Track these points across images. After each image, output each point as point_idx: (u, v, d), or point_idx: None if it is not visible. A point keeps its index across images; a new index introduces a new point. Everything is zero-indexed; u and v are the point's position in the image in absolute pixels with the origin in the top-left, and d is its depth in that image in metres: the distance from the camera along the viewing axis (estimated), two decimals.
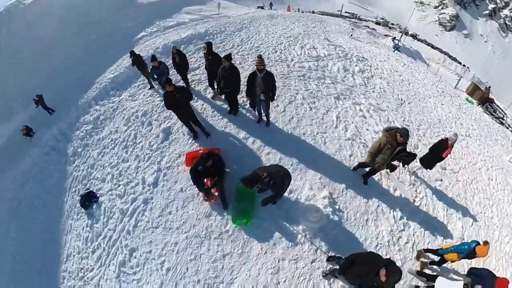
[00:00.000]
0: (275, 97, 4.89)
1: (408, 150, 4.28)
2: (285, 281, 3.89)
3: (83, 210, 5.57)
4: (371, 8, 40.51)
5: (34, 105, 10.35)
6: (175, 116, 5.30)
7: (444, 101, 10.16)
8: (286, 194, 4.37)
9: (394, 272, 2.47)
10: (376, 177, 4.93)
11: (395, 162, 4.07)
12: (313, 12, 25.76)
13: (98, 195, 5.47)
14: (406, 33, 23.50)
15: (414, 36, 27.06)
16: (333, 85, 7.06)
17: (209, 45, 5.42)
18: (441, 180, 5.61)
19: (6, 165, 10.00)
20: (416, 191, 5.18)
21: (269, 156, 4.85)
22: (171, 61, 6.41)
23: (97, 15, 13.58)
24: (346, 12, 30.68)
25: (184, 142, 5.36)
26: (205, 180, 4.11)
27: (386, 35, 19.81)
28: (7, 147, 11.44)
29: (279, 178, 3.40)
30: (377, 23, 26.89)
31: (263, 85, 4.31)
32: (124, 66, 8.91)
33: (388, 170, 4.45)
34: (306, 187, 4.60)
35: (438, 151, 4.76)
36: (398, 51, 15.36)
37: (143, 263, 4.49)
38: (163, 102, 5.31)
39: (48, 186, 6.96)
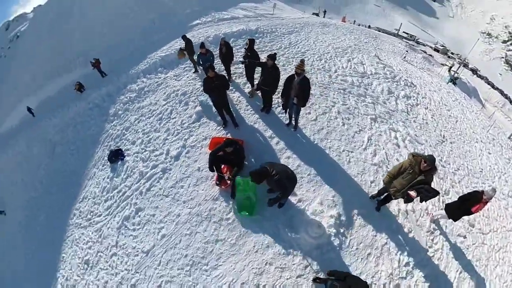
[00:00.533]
0: (307, 104, 4.88)
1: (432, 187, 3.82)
2: (265, 285, 3.84)
3: (108, 163, 6.32)
4: (432, 32, 37.43)
5: (91, 66, 11.59)
6: (211, 102, 5.52)
7: (493, 150, 9.09)
8: (294, 201, 4.36)
9: None
10: (393, 211, 4.59)
11: (412, 193, 3.52)
12: (368, 26, 24.76)
13: (125, 154, 6.14)
14: (465, 66, 21.59)
15: (474, 71, 24.77)
16: (373, 105, 6.77)
17: (251, 41, 5.60)
18: (465, 237, 4.86)
19: (54, 113, 11.45)
20: (432, 240, 4.57)
21: (289, 160, 4.82)
22: (218, 51, 6.66)
23: (164, 2, 14.68)
24: (404, 32, 28.98)
25: (213, 127, 5.61)
26: (222, 166, 4.28)
27: (442, 64, 18.40)
28: (58, 97, 13.03)
29: (285, 178, 3.39)
30: (436, 49, 25.05)
31: (298, 89, 4.36)
32: (175, 48, 9.48)
33: (403, 200, 3.95)
34: (317, 200, 4.48)
35: (469, 203, 4.09)
36: (453, 83, 14.20)
37: (144, 223, 4.91)
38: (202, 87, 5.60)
39: (85, 137, 7.95)
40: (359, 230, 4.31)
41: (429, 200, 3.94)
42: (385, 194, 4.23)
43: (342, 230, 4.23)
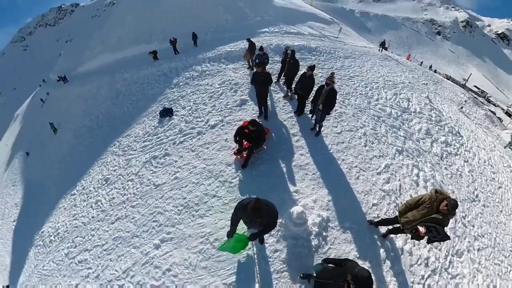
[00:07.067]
0: (331, 112, 5.16)
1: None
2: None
3: (158, 116, 7.66)
4: (509, 93, 32.46)
5: (169, 43, 13.76)
6: (255, 96, 6.15)
7: None
8: (291, 190, 4.52)
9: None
10: (389, 243, 4.09)
11: (422, 229, 3.15)
12: (434, 71, 22.91)
13: (174, 114, 7.38)
14: None
15: None
16: (404, 139, 6.49)
17: (293, 52, 6.42)
18: None
19: (127, 70, 13.91)
20: None
21: (301, 158, 5.06)
22: (279, 58, 7.58)
23: (238, 2, 16.01)
24: (475, 86, 25.89)
25: (250, 113, 6.28)
26: (244, 141, 4.81)
27: (506, 129, 16.02)
28: (133, 60, 15.63)
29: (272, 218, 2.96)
30: (508, 113, 21.75)
31: (325, 98, 4.73)
32: (240, 46, 10.51)
33: (411, 235, 3.49)
34: (312, 197, 4.44)
35: None
36: None
37: (166, 165, 5.87)
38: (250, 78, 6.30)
39: (147, 94, 9.78)
40: (342, 243, 3.97)
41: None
42: (394, 226, 3.87)
43: (324, 234, 4.00)
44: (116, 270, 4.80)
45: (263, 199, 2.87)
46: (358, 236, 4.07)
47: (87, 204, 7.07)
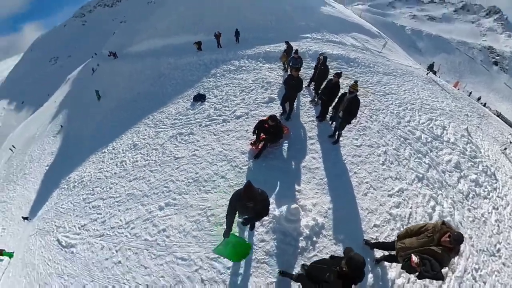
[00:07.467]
0: (351, 121, 5.14)
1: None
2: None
3: (192, 100, 8.51)
4: None
5: (213, 37, 14.56)
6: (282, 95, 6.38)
7: None
8: (295, 189, 4.61)
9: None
10: (379, 271, 3.76)
11: (415, 258, 2.72)
12: (484, 104, 20.94)
13: (206, 100, 8.15)
14: None
15: None
16: (427, 167, 6.13)
17: (325, 58, 6.64)
18: None
19: (171, 55, 15.21)
20: None
21: (312, 161, 5.15)
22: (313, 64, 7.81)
23: (285, 6, 16.32)
24: None
25: (275, 111, 6.58)
26: (261, 135, 5.07)
27: None
28: (178, 47, 16.82)
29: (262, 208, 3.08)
30: None
31: (346, 105, 4.73)
32: (279, 48, 10.77)
33: (401, 264, 3.10)
34: (312, 201, 4.41)
35: None
36: None
37: (188, 142, 6.53)
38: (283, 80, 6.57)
39: (186, 79, 10.86)
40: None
41: None
42: (391, 252, 3.55)
43: (314, 239, 3.89)
44: (120, 220, 5.54)
45: (257, 187, 2.96)
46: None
47: (113, 162, 8.08)
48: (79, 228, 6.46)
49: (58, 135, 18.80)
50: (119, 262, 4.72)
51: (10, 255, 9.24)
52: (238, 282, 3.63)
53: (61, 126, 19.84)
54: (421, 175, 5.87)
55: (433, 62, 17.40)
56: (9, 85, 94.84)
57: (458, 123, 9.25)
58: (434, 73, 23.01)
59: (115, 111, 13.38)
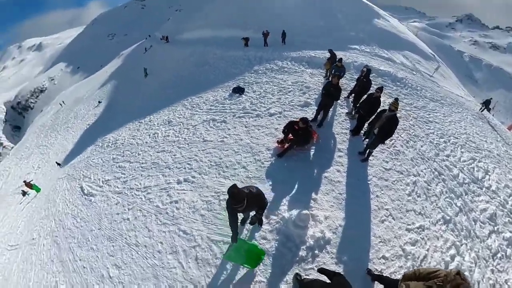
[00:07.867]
0: (385, 141, 4.93)
1: None
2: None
3: (230, 91, 9.03)
4: None
5: (261, 35, 15.10)
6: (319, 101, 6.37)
7: None
8: (312, 197, 4.56)
9: None
10: None
11: None
12: None
13: (244, 93, 8.60)
14: None
15: None
16: (458, 211, 5.55)
17: (368, 71, 6.49)
18: None
19: (218, 47, 16.26)
20: None
21: (336, 173, 5.06)
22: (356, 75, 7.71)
23: (336, 13, 15.91)
24: None
25: (307, 115, 6.52)
26: (289, 136, 5.16)
27: None
28: (228, 40, 17.60)
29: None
30: None
31: (383, 123, 4.54)
32: (324, 56, 10.67)
33: None
34: (325, 213, 4.29)
35: None
36: None
37: (219, 129, 7.07)
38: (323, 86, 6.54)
39: (228, 71, 11.41)
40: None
41: None
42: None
43: (316, 252, 3.74)
44: (139, 183, 6.17)
45: (248, 186, 3.06)
46: (349, 277, 3.36)
47: (146, 132, 8.94)
48: (102, 181, 7.37)
49: (103, 100, 20.91)
50: (128, 219, 5.32)
51: (38, 189, 10.78)
52: (228, 271, 3.66)
53: (108, 93, 22.03)
54: (448, 218, 5.32)
55: (491, 98, 15.58)
56: (69, 52, 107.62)
57: (505, 171, 8.31)
58: (489, 110, 20.63)
59: (158, 89, 14.51)
